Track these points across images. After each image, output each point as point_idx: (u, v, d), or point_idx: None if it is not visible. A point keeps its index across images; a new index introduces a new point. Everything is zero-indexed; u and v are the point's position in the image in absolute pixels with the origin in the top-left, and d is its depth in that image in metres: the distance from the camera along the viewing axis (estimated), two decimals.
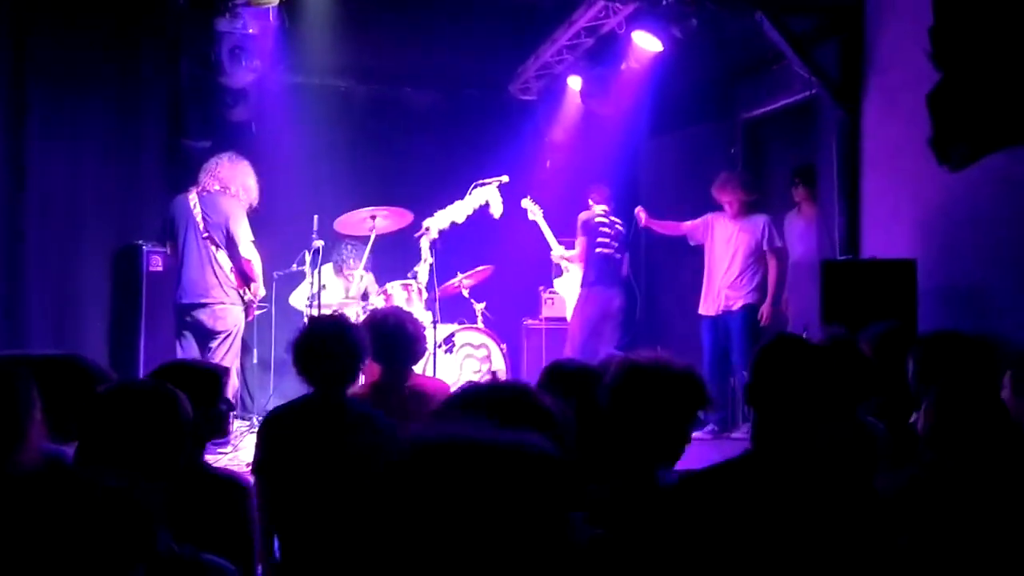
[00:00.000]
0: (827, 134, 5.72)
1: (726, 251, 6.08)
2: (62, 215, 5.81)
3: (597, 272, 6.56)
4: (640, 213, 6.38)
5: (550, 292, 7.38)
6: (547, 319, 7.34)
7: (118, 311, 5.99)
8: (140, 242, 5.98)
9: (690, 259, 7.20)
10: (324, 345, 2.96)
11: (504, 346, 6.25)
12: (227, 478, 2.32)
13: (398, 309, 3.81)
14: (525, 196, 6.76)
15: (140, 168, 6.25)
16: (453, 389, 3.69)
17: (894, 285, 4.54)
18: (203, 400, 2.27)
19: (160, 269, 5.92)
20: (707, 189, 6.51)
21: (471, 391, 1.61)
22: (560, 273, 7.12)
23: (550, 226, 6.88)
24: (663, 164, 7.55)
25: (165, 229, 5.53)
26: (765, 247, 5.98)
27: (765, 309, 5.93)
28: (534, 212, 6.79)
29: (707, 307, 6.17)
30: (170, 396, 1.86)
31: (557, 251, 6.89)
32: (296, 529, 2.72)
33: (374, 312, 3.72)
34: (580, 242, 6.61)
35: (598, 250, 6.57)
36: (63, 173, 5.82)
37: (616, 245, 6.67)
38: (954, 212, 4.80)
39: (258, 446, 2.92)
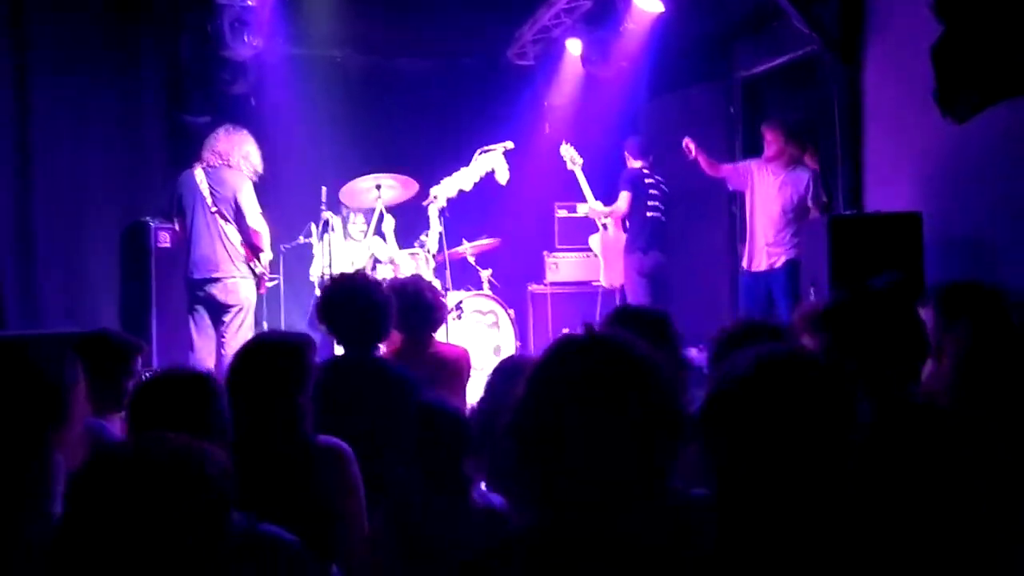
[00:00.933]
0: (828, 91, 5.75)
1: (769, 205, 5.77)
2: (69, 193, 5.83)
3: (649, 237, 6.46)
4: (689, 144, 6.10)
5: (554, 256, 7.43)
6: (552, 284, 7.39)
7: (128, 288, 6.03)
8: (147, 219, 5.99)
9: (693, 220, 7.27)
10: (352, 301, 3.02)
11: (512, 312, 6.31)
12: (329, 446, 2.37)
13: (418, 278, 3.86)
14: (523, 164, 6.65)
15: (143, 144, 6.26)
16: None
17: (900, 239, 4.60)
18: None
19: (168, 245, 5.95)
20: (708, 149, 6.52)
21: None
22: (596, 230, 6.94)
23: (554, 191, 6.91)
24: (663, 125, 7.55)
25: (172, 206, 5.54)
26: (809, 202, 5.65)
27: None
28: (574, 161, 6.65)
29: (748, 262, 5.90)
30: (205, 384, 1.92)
31: (591, 204, 6.69)
32: None
33: (394, 281, 3.77)
34: (624, 197, 6.46)
35: (649, 214, 6.46)
36: (68, 151, 5.83)
37: (662, 205, 6.54)
38: (957, 165, 4.85)
39: None
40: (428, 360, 3.49)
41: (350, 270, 5.94)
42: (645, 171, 6.58)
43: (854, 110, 5.52)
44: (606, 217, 6.70)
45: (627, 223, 6.60)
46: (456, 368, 3.57)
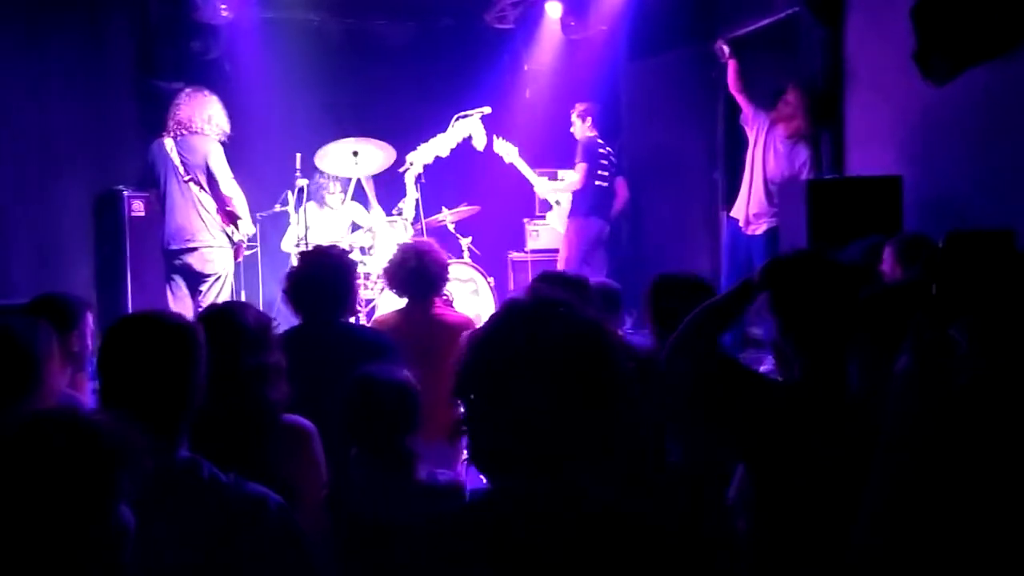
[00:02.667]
0: (809, 53, 5.68)
1: (765, 169, 5.67)
2: (35, 163, 5.70)
3: (592, 203, 6.50)
4: (723, 47, 5.85)
5: (535, 224, 7.37)
6: (533, 251, 7.35)
7: (103, 258, 5.95)
8: (120, 187, 5.89)
9: (674, 186, 7.23)
10: (311, 276, 3.03)
11: (492, 280, 6.27)
12: (290, 423, 2.33)
13: (420, 243, 3.83)
14: (503, 129, 6.63)
15: (112, 111, 6.13)
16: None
17: (880, 202, 4.57)
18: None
19: (142, 214, 5.86)
20: (689, 113, 6.46)
21: None
22: (549, 207, 7.06)
23: (533, 156, 6.83)
24: (644, 88, 7.49)
25: (147, 176, 5.47)
26: (801, 178, 5.47)
27: None
28: (509, 153, 6.59)
29: (737, 212, 5.86)
30: (177, 327, 1.80)
31: (542, 187, 6.80)
32: None
33: (400, 247, 3.77)
34: (581, 168, 6.44)
35: (596, 183, 6.48)
36: (31, 118, 5.69)
37: (609, 175, 6.60)
38: (938, 127, 4.82)
39: None
40: (429, 325, 3.54)
41: (326, 239, 5.91)
42: (599, 141, 6.57)
43: (835, 73, 5.46)
44: (562, 192, 6.73)
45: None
46: (456, 335, 3.56)
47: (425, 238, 5.32)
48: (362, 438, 2.22)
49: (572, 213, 6.58)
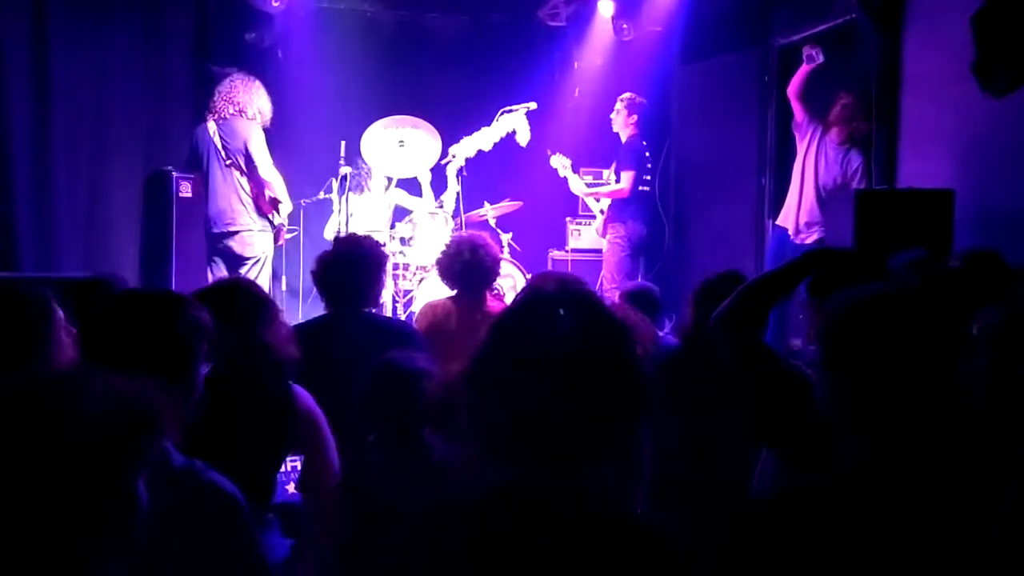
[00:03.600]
0: (866, 61, 5.55)
1: (813, 175, 5.59)
2: (90, 140, 5.85)
3: (635, 208, 6.42)
4: (815, 52, 5.65)
5: (577, 223, 7.33)
6: (574, 251, 7.30)
7: (149, 237, 6.05)
8: (170, 168, 6.00)
9: (721, 191, 7.12)
10: (339, 265, 3.05)
11: (531, 276, 6.24)
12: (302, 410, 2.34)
13: (475, 236, 3.83)
14: (548, 125, 6.55)
15: (168, 93, 6.25)
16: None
17: (930, 215, 4.44)
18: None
19: (190, 195, 5.95)
20: (739, 118, 6.36)
21: None
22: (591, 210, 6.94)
23: (579, 155, 6.78)
24: (695, 91, 7.39)
25: (192, 159, 5.57)
26: (852, 187, 5.43)
27: None
28: (564, 167, 6.52)
29: (785, 220, 5.78)
30: (176, 302, 1.79)
31: (592, 202, 6.68)
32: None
33: (455, 239, 3.79)
34: (629, 176, 6.31)
35: (641, 188, 6.42)
36: (89, 97, 5.84)
37: (651, 178, 6.49)
38: (995, 141, 4.67)
39: None
40: (479, 317, 3.53)
41: (367, 228, 5.95)
42: (643, 143, 6.45)
43: (892, 81, 5.33)
44: (606, 198, 6.55)
45: None
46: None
47: (465, 232, 5.34)
48: (380, 425, 2.22)
49: (614, 219, 6.47)
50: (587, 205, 7.29)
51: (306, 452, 2.39)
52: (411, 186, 6.40)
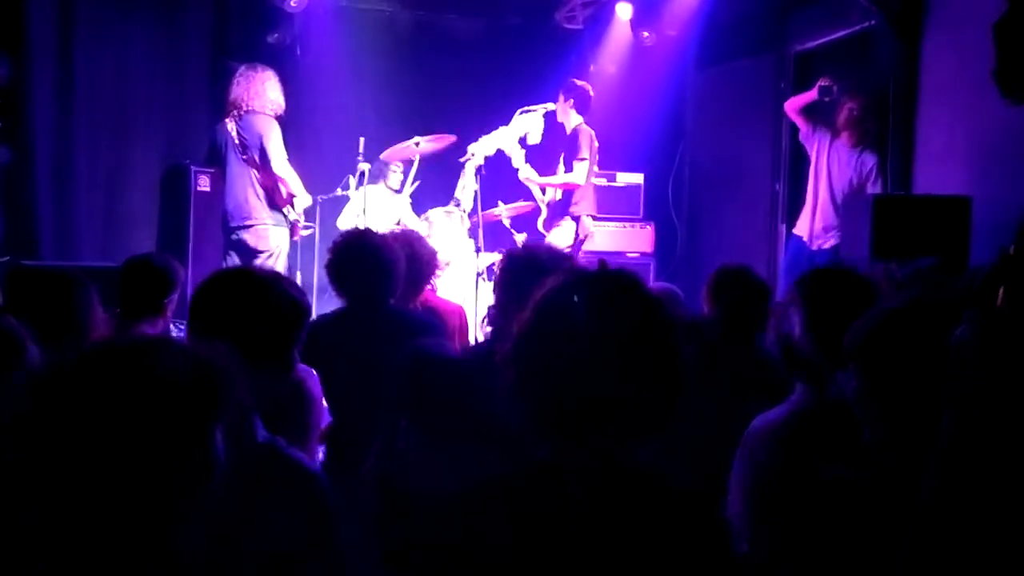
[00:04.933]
0: (883, 68, 5.57)
1: (831, 182, 5.54)
2: (110, 133, 5.90)
3: (591, 204, 6.15)
4: (832, 87, 5.53)
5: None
6: (587, 252, 7.30)
7: (166, 229, 6.10)
8: (188, 162, 6.04)
9: (735, 195, 7.14)
10: (352, 260, 3.04)
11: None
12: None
13: (412, 232, 3.82)
14: (563, 128, 6.49)
15: (187, 87, 6.30)
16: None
17: (947, 222, 4.45)
18: None
19: (208, 189, 6.00)
20: (755, 123, 6.38)
21: None
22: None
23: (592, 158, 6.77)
24: (710, 97, 7.42)
25: (212, 154, 5.62)
26: (868, 190, 5.43)
27: None
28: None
29: (800, 228, 5.74)
30: (266, 280, 1.83)
31: (545, 180, 6.15)
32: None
33: (391, 233, 3.78)
34: (583, 167, 5.93)
35: (593, 179, 6.08)
36: (110, 90, 5.90)
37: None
38: (1013, 148, 4.68)
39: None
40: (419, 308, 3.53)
41: (383, 224, 5.97)
42: (592, 132, 6.05)
43: (909, 88, 5.34)
44: (559, 188, 6.13)
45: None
46: (447, 323, 3.56)
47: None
48: (413, 413, 2.23)
49: (563, 214, 6.09)
50: (602, 206, 7.27)
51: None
52: (426, 186, 6.42)
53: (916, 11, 5.24)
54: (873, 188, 5.45)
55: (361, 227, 4.66)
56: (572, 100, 6.01)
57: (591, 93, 6.07)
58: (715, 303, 2.78)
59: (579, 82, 6.14)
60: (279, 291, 1.78)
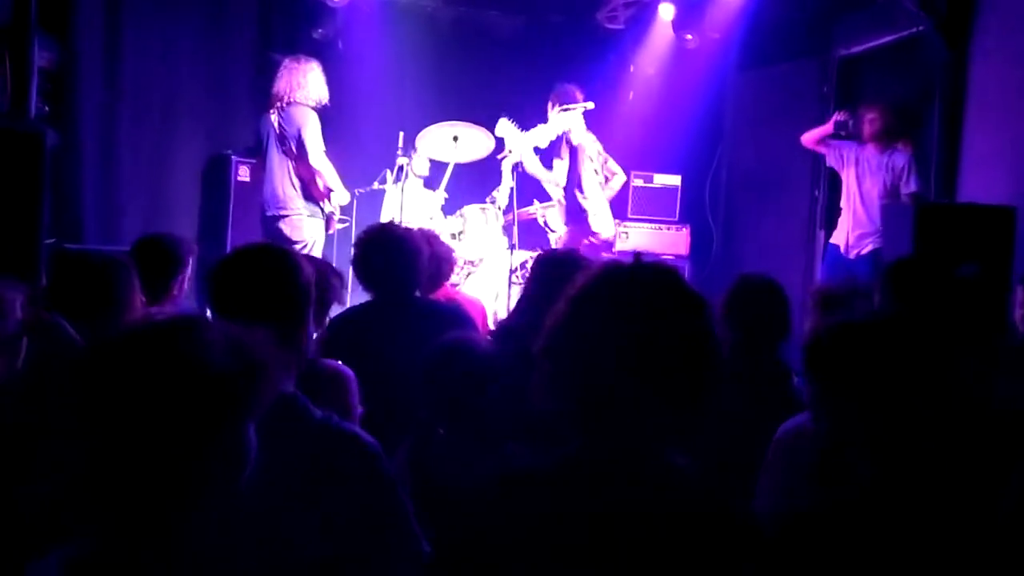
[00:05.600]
0: (931, 74, 5.48)
1: (863, 188, 5.59)
2: (155, 121, 5.99)
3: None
4: (846, 121, 5.72)
5: (625, 225, 7.31)
6: (621, 252, 7.28)
7: (207, 218, 6.18)
8: (229, 152, 6.12)
9: (774, 200, 7.07)
10: (376, 251, 3.06)
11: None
12: (327, 368, 2.38)
13: (428, 231, 3.83)
14: (602, 127, 6.44)
15: (230, 78, 6.37)
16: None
17: (991, 232, 4.37)
18: None
19: (247, 180, 6.07)
20: (795, 129, 6.30)
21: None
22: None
23: (632, 158, 6.74)
24: (751, 100, 7.34)
25: (256, 146, 5.71)
26: (902, 189, 5.47)
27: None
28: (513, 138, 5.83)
29: (837, 238, 5.78)
30: (289, 254, 1.83)
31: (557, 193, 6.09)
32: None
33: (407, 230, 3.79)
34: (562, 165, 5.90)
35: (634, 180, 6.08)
36: (156, 80, 5.99)
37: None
38: None
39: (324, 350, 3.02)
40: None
41: (418, 219, 6.00)
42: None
43: (956, 96, 5.25)
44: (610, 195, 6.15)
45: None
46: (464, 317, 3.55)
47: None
48: (442, 406, 2.22)
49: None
50: (639, 207, 7.26)
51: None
52: (462, 182, 6.42)
53: (964, 17, 5.15)
54: (907, 187, 5.48)
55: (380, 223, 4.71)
56: (557, 106, 5.94)
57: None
58: (733, 317, 2.75)
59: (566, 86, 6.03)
60: (296, 263, 1.78)
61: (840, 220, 5.81)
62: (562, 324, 1.31)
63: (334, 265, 6.14)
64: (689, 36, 6.84)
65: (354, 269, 3.16)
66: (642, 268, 1.32)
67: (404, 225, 3.55)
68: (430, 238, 3.63)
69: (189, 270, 3.15)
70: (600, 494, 1.25)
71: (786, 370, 2.77)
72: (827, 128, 5.82)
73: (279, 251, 1.84)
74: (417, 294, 3.22)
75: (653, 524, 1.23)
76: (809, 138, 5.93)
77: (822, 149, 5.92)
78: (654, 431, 1.27)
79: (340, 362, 2.55)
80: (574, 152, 5.96)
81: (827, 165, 6.02)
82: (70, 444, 1.19)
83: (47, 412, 1.73)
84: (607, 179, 6.18)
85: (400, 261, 3.08)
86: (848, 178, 5.73)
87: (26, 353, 1.90)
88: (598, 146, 6.14)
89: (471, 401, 2.20)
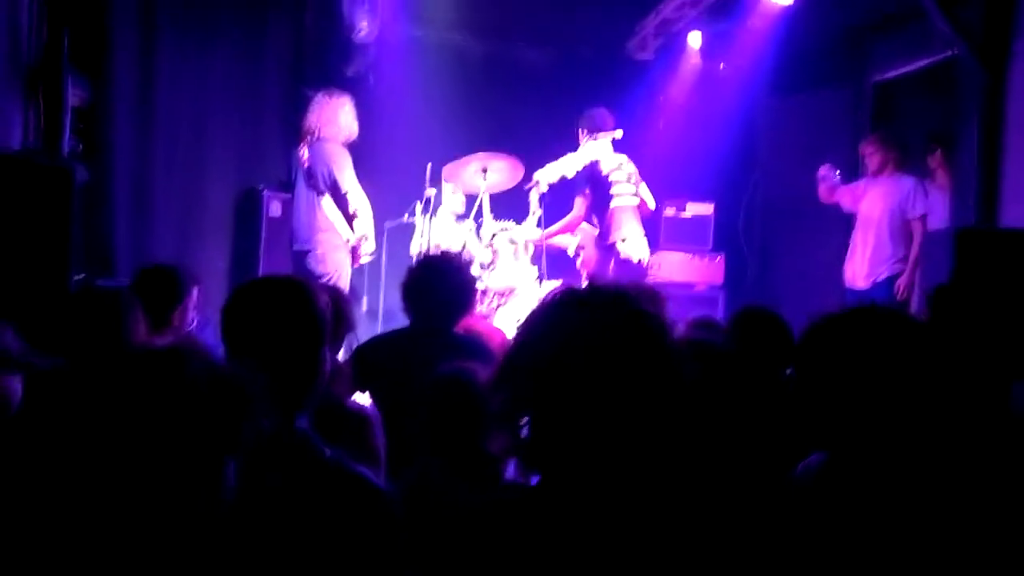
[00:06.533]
0: (968, 98, 5.36)
1: (871, 216, 5.67)
2: (187, 155, 6.06)
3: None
4: (832, 174, 5.85)
5: (658, 255, 7.22)
6: (654, 283, 7.20)
7: (238, 252, 6.22)
8: (261, 186, 6.18)
9: (808, 228, 6.94)
10: (427, 281, 3.03)
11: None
12: (352, 410, 2.35)
13: (456, 256, 3.78)
14: (632, 157, 6.38)
15: (262, 113, 6.45)
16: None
17: None
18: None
19: (279, 215, 6.11)
20: (830, 155, 6.22)
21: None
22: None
23: (663, 187, 6.66)
24: (784, 128, 7.26)
25: (288, 180, 5.76)
26: (909, 214, 5.53)
27: (902, 282, 5.54)
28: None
29: (850, 278, 5.82)
30: (304, 287, 1.77)
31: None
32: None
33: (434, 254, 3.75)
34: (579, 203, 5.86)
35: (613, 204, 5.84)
36: (189, 114, 6.07)
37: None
38: None
39: (353, 375, 2.99)
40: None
41: (449, 248, 5.98)
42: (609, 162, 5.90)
43: (994, 120, 5.13)
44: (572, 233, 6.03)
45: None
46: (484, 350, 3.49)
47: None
48: (439, 436, 2.18)
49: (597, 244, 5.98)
50: (670, 236, 7.17)
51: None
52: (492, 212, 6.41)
53: (1002, 40, 5.04)
54: (914, 211, 5.58)
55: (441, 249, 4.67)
56: (585, 131, 5.94)
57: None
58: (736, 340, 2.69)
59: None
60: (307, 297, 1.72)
61: (849, 255, 5.88)
62: (512, 357, 1.24)
63: (364, 299, 6.21)
64: (722, 65, 6.81)
65: (404, 293, 3.13)
66: (593, 293, 1.26)
67: (462, 255, 3.51)
68: (461, 264, 3.59)
69: (192, 300, 3.14)
70: (558, 531, 1.18)
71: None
72: (824, 184, 5.95)
73: (289, 283, 1.78)
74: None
75: (612, 557, 1.16)
76: (822, 196, 6.03)
77: (836, 199, 5.98)
78: (615, 464, 1.19)
79: (367, 394, 2.52)
80: (602, 181, 5.90)
81: (846, 211, 6.04)
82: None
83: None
84: (643, 202, 6.07)
85: (451, 295, 3.06)
86: (861, 210, 5.79)
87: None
88: (631, 168, 6.03)
89: (468, 433, 2.15)
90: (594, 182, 5.88)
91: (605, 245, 5.89)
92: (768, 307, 3.05)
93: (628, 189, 5.94)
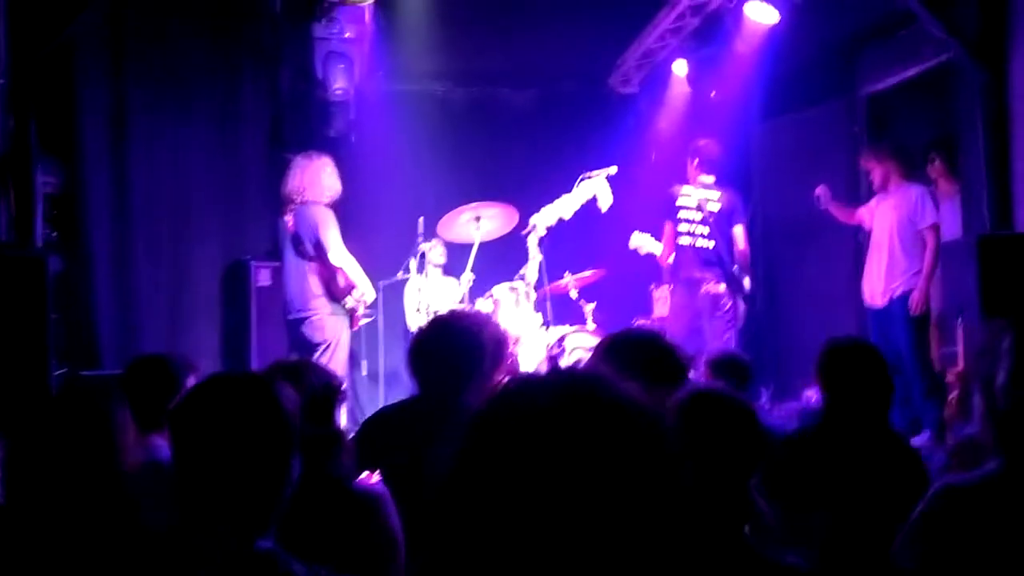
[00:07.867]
0: (968, 101, 5.21)
1: (880, 230, 5.43)
2: (168, 229, 5.91)
3: (678, 262, 5.88)
4: (821, 194, 5.67)
5: (661, 290, 7.03)
6: (659, 319, 6.99)
7: (229, 325, 6.02)
8: (248, 257, 5.98)
9: (814, 249, 6.77)
10: (431, 345, 2.78)
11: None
12: (360, 492, 2.13)
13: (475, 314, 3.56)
14: (626, 190, 6.22)
15: (243, 183, 6.29)
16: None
17: None
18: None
19: (268, 284, 5.91)
20: (828, 174, 6.07)
21: None
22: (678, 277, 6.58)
23: (657, 219, 6.50)
24: (778, 148, 7.12)
25: (274, 248, 5.58)
26: (920, 224, 5.27)
27: (915, 297, 5.29)
28: (646, 243, 6.01)
29: (865, 293, 5.58)
30: (264, 385, 1.59)
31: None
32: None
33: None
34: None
35: (680, 240, 5.81)
36: (167, 185, 5.93)
37: (704, 232, 5.83)
38: None
39: (356, 449, 2.74)
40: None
41: (445, 305, 5.77)
42: (684, 194, 5.86)
43: (999, 121, 4.96)
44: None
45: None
46: None
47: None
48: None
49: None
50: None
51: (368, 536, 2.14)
52: (489, 262, 6.20)
53: (998, 37, 4.90)
54: (923, 221, 5.30)
55: (448, 310, 4.45)
56: (697, 159, 5.86)
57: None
58: (829, 387, 2.46)
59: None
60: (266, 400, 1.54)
61: (865, 273, 5.61)
62: (457, 460, 0.94)
63: (363, 363, 5.97)
64: (713, 93, 6.67)
65: (409, 362, 2.85)
66: (558, 380, 0.94)
67: (476, 315, 3.25)
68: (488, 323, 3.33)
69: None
70: None
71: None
72: (822, 205, 5.72)
73: (250, 380, 1.62)
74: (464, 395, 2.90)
75: None
76: (841, 218, 5.82)
77: (856, 220, 5.76)
78: None
79: (376, 474, 2.28)
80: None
81: (867, 229, 5.79)
82: None
83: None
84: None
85: (452, 360, 2.72)
86: (874, 227, 5.57)
87: None
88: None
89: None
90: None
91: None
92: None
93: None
